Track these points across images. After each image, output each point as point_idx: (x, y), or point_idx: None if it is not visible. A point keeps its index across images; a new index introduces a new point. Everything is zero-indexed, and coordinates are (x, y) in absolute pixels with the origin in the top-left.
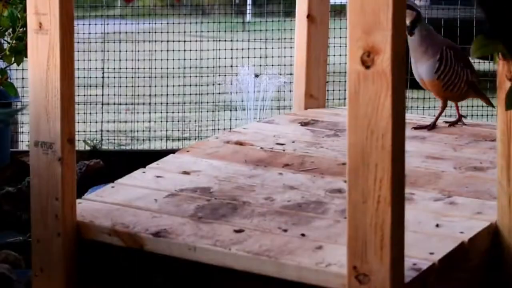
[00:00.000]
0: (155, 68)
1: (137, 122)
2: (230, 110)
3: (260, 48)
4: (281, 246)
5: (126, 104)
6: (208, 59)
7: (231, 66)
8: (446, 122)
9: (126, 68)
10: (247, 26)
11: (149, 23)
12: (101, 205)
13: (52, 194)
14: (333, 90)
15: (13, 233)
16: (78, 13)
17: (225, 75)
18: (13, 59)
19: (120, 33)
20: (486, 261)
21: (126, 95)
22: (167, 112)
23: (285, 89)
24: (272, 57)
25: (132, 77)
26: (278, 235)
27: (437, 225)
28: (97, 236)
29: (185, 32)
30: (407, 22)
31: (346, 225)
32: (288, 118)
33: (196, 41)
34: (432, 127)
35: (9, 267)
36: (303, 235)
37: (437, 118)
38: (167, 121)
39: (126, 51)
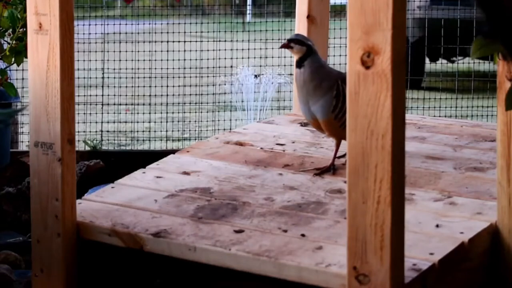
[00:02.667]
0: (155, 68)
1: (137, 122)
2: (230, 111)
3: (260, 49)
4: (281, 247)
5: (126, 104)
6: (208, 59)
7: (231, 66)
8: (317, 172)
9: (126, 69)
10: (247, 27)
11: (149, 24)
12: (101, 205)
13: (52, 195)
14: None
15: (13, 233)
16: (78, 13)
17: (225, 76)
18: (13, 59)
19: (120, 33)
20: (486, 261)
21: (126, 95)
22: (167, 113)
23: (285, 89)
24: (272, 57)
25: (132, 78)
26: (278, 235)
27: (437, 226)
28: (97, 236)
29: (185, 32)
30: (296, 57)
31: (346, 225)
32: (288, 118)
33: (196, 41)
34: (333, 169)
35: (9, 267)
36: (303, 235)
37: (334, 158)
38: (167, 122)
39: (126, 51)
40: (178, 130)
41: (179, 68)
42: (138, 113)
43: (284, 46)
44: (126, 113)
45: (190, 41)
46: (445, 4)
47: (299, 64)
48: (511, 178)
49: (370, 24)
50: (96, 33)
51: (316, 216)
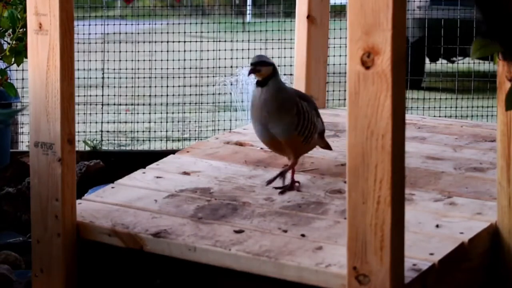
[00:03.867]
0: (155, 68)
1: (137, 122)
2: (230, 111)
3: (260, 49)
4: (281, 247)
5: (126, 104)
6: (208, 59)
7: (231, 66)
8: (277, 188)
9: (126, 69)
10: (247, 27)
11: (149, 24)
12: (101, 205)
13: (52, 195)
14: (333, 91)
15: (13, 233)
16: (78, 13)
17: (225, 76)
18: (13, 59)
19: (120, 33)
20: (486, 261)
21: (126, 95)
22: (167, 113)
23: None
24: (272, 57)
25: (132, 78)
26: (278, 235)
27: (437, 226)
28: (97, 236)
29: (185, 32)
30: (260, 78)
31: (346, 225)
32: None
33: (196, 41)
34: (290, 186)
35: (9, 267)
36: (303, 235)
37: (293, 175)
38: (167, 122)
39: (126, 51)
40: (178, 130)
41: (179, 68)
42: (138, 113)
43: (252, 72)
44: (126, 113)
45: (190, 41)
46: (445, 4)
47: (263, 83)
48: (511, 178)
49: (370, 24)
50: (96, 33)
51: (316, 216)
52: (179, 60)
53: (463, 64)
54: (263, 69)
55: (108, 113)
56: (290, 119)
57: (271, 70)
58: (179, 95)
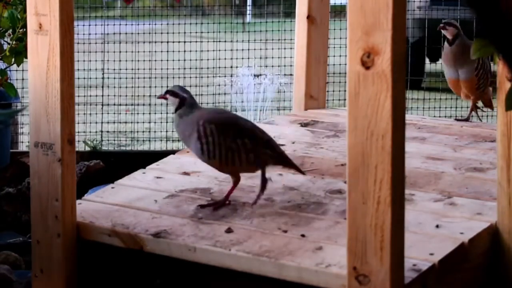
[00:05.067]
0: (155, 69)
1: (137, 123)
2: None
3: (260, 49)
4: (281, 247)
5: (126, 105)
6: (208, 60)
7: (231, 67)
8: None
9: (126, 69)
10: (247, 27)
11: (149, 24)
12: (101, 205)
13: (52, 195)
14: (333, 91)
15: (13, 233)
16: (78, 14)
17: (225, 76)
18: (13, 60)
19: (120, 34)
20: (486, 262)
21: (126, 96)
22: (167, 113)
23: (285, 90)
24: (272, 57)
25: (132, 78)
26: (278, 236)
27: (437, 226)
28: (97, 237)
29: (185, 33)
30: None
31: (346, 226)
32: (288, 119)
33: (196, 42)
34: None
35: (9, 268)
36: (303, 236)
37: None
38: (167, 122)
39: (126, 52)
40: None
41: (179, 69)
42: (138, 113)
43: (161, 97)
44: (126, 113)
45: (190, 42)
46: (445, 4)
47: (180, 117)
48: (511, 179)
49: (370, 25)
50: (96, 33)
51: (316, 217)
52: (179, 60)
53: None
54: (170, 99)
55: (108, 113)
56: (195, 146)
57: (178, 103)
58: None
